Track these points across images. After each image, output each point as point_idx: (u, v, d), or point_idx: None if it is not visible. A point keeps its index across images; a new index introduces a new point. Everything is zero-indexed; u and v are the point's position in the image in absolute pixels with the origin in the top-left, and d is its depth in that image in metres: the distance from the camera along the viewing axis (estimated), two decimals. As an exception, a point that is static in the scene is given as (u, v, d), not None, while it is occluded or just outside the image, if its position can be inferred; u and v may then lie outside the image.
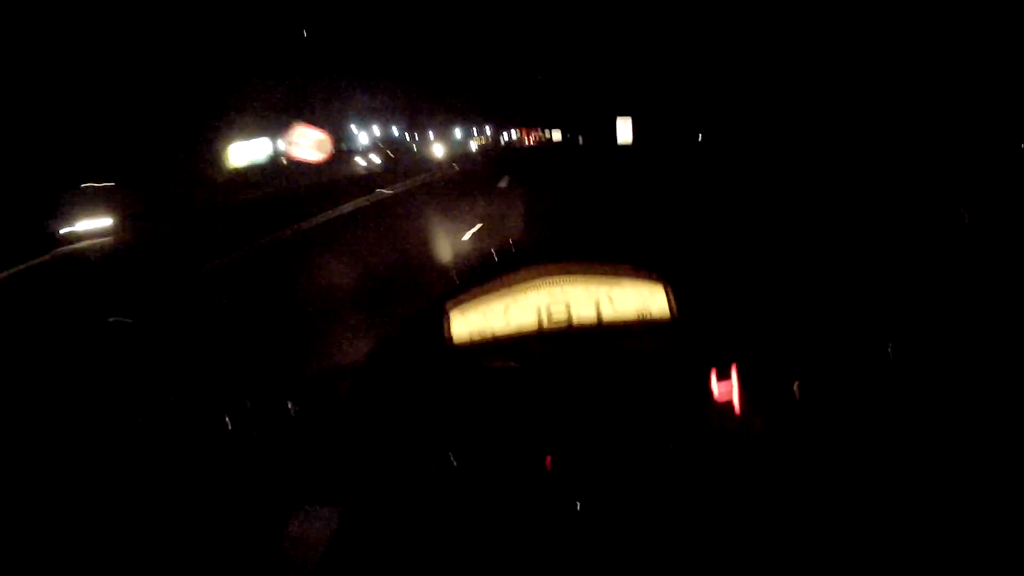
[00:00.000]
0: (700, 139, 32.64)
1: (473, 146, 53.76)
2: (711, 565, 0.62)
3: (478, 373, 0.81)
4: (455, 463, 0.70)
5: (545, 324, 0.85)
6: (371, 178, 22.04)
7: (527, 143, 67.82)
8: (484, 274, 0.88)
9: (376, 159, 31.94)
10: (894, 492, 0.79)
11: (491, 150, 52.11)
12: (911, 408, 0.91)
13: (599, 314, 0.85)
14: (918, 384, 0.96)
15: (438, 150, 42.37)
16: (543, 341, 0.84)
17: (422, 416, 0.75)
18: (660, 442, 0.67)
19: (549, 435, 0.70)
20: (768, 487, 0.67)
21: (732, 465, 0.65)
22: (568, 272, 0.87)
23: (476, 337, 0.84)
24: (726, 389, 0.67)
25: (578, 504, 0.62)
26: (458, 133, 55.23)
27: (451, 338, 0.83)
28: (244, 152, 23.03)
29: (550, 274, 0.87)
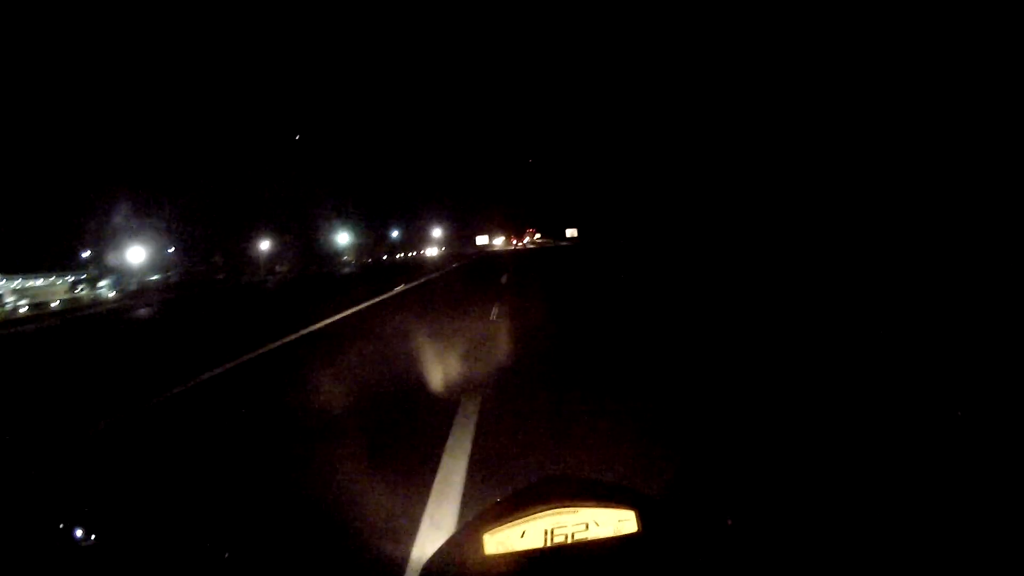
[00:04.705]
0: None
1: None
2: None
3: None
4: None
5: (550, 543, 1.20)
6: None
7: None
8: (509, 507, 1.23)
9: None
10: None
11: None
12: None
13: (588, 532, 1.21)
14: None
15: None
16: (549, 556, 1.18)
17: None
18: None
19: None
20: None
21: None
22: (568, 504, 1.24)
23: (502, 550, 1.17)
24: None
25: None
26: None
27: (485, 553, 1.15)
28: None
29: (555, 506, 1.23)
